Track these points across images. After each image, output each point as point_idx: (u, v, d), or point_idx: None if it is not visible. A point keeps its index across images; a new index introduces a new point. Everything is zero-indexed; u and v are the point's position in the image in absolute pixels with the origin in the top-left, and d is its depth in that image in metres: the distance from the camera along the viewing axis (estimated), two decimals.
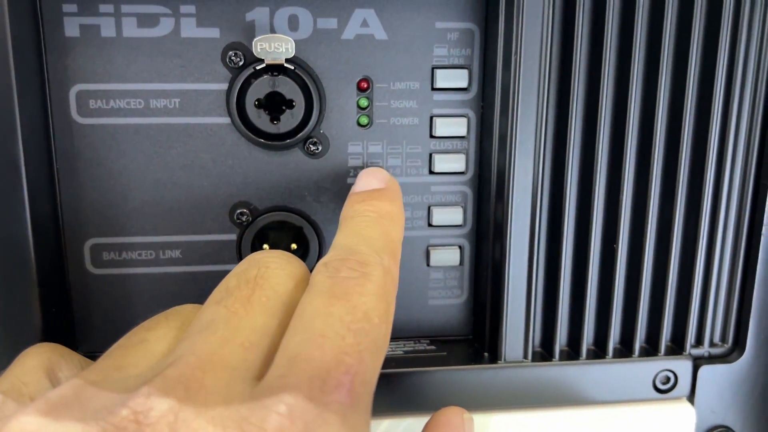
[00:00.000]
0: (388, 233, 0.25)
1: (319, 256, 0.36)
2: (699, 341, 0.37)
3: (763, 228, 0.35)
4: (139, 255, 0.34)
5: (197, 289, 0.35)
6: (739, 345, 0.37)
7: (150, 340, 0.23)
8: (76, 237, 0.34)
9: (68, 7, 0.31)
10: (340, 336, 0.20)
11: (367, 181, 0.27)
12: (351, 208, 0.26)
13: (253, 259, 0.25)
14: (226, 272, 0.35)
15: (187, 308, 0.26)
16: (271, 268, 0.24)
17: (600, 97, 0.33)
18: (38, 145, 0.31)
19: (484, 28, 0.34)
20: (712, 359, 0.37)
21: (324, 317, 0.21)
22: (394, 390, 0.34)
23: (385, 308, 0.22)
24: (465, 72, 0.34)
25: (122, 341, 0.24)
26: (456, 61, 0.34)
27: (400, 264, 0.36)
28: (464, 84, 0.34)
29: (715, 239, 0.36)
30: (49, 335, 0.32)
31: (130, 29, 0.32)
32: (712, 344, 0.37)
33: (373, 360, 0.21)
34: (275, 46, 0.31)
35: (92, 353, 0.35)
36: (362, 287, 0.22)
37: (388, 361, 0.35)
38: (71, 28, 0.32)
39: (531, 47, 0.32)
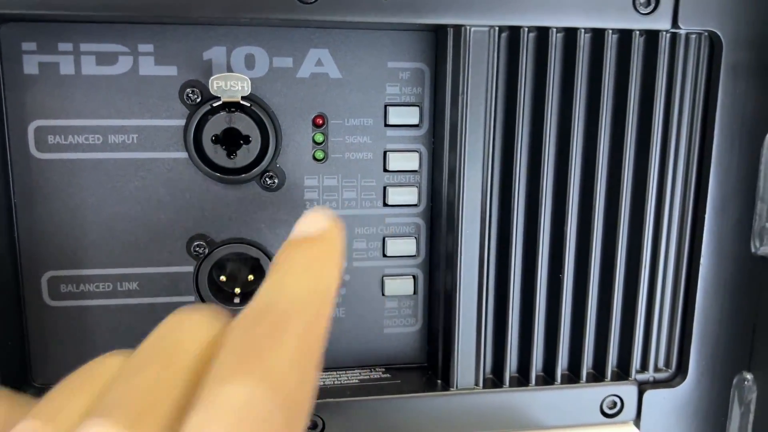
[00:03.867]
0: (317, 282, 0.23)
1: None
2: (644, 367, 0.38)
3: (701, 258, 0.37)
4: (97, 287, 0.35)
5: (155, 321, 0.35)
6: (681, 370, 0.38)
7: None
8: (34, 270, 0.34)
9: (27, 45, 0.32)
10: (249, 407, 0.18)
11: (303, 227, 0.25)
12: (281, 255, 0.24)
13: (167, 325, 0.23)
14: (183, 303, 0.36)
15: (108, 364, 0.24)
16: (185, 331, 0.22)
17: (543, 133, 0.35)
18: None
19: (434, 68, 0.35)
20: (656, 384, 0.38)
21: (232, 385, 0.18)
22: (349, 418, 0.35)
23: (304, 368, 0.20)
24: (416, 109, 0.36)
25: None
26: (407, 99, 0.36)
27: (357, 294, 0.37)
28: (416, 121, 0.36)
29: (657, 269, 0.37)
30: (4, 368, 0.32)
31: (89, 67, 0.33)
32: (656, 369, 0.39)
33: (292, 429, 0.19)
34: (231, 85, 0.32)
35: (48, 385, 0.35)
36: (278, 347, 0.19)
37: (343, 390, 0.35)
38: (30, 65, 0.32)
39: (477, 86, 0.34)
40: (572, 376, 0.38)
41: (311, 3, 0.31)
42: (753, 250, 0.37)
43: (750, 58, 0.35)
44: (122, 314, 0.35)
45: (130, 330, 0.35)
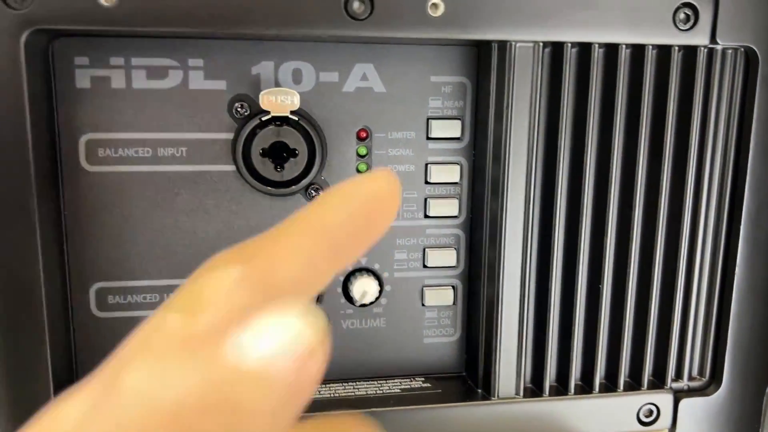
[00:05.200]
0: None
1: (319, 298, 0.37)
2: (679, 375, 0.39)
3: (736, 268, 0.38)
4: (144, 298, 0.35)
5: None
6: (716, 378, 0.39)
7: None
8: (82, 281, 0.34)
9: (80, 60, 0.33)
10: None
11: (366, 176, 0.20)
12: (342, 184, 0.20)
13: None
14: None
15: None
16: None
17: (585, 147, 0.35)
18: (48, 192, 0.32)
19: (476, 82, 0.36)
20: (691, 392, 0.39)
21: None
22: (392, 428, 0.35)
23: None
24: (458, 122, 0.36)
25: None
26: (450, 113, 0.36)
27: (397, 304, 0.38)
28: (457, 134, 0.36)
29: (693, 279, 0.38)
30: (57, 378, 0.32)
31: (140, 81, 0.33)
32: (691, 378, 0.39)
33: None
34: (281, 99, 0.33)
35: None
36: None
37: (386, 399, 0.36)
38: (82, 79, 0.33)
39: (521, 100, 0.34)
40: (609, 385, 0.38)
41: (362, 20, 0.31)
42: None
43: None
44: None
45: None
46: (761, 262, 0.38)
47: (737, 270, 0.38)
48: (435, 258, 0.38)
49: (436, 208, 0.37)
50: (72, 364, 0.35)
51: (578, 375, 0.38)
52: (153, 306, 0.35)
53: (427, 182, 0.37)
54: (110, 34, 0.32)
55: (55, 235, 0.33)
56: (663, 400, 0.38)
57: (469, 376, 0.39)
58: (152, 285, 0.35)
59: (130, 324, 0.35)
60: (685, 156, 0.36)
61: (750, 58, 0.36)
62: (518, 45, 0.33)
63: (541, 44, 0.34)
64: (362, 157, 0.36)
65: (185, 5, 0.30)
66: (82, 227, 0.34)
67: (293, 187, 0.35)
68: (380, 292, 0.37)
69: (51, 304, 0.33)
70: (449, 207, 0.37)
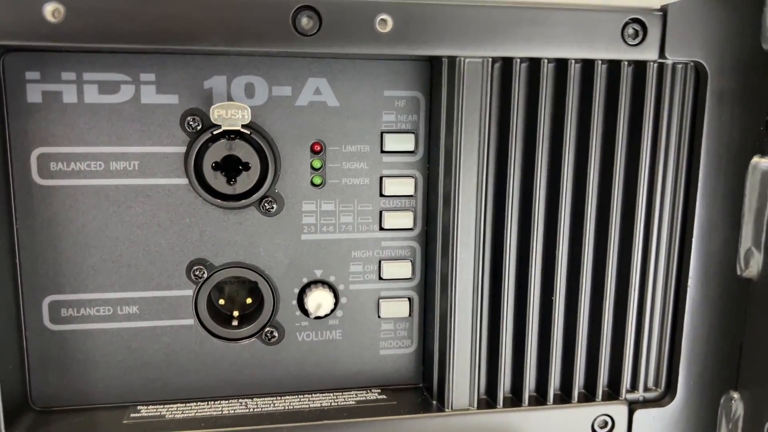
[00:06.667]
0: None
1: (274, 309, 0.37)
2: (634, 386, 0.39)
3: (689, 280, 0.38)
4: (97, 311, 0.35)
5: (154, 344, 0.36)
6: (670, 389, 0.39)
7: None
8: (35, 294, 0.35)
9: (31, 75, 0.33)
10: None
11: None
12: None
13: None
14: (183, 327, 0.36)
15: None
16: None
17: (535, 160, 0.36)
18: (0, 206, 0.32)
19: (429, 96, 0.36)
20: (646, 403, 0.39)
21: None
22: None
23: None
24: (412, 136, 0.37)
25: None
26: (403, 126, 0.37)
27: (353, 316, 0.38)
28: (411, 147, 0.37)
29: (646, 291, 0.38)
30: (4, 392, 0.32)
31: (92, 95, 0.33)
32: (646, 389, 0.40)
33: None
34: (232, 113, 0.33)
35: (48, 409, 0.35)
36: None
37: (341, 411, 0.36)
38: (34, 94, 0.33)
39: (471, 114, 0.34)
40: (564, 397, 0.38)
41: (311, 35, 0.31)
42: (739, 272, 0.38)
43: (734, 87, 0.36)
44: (122, 338, 0.36)
45: (129, 353, 0.36)
46: (714, 273, 0.38)
47: (690, 281, 0.38)
48: (391, 270, 0.38)
49: (391, 220, 0.37)
50: (25, 377, 0.35)
51: (532, 386, 0.38)
52: (106, 319, 0.35)
53: (382, 195, 0.37)
54: (62, 49, 0.32)
55: (8, 248, 0.33)
56: (618, 411, 0.38)
57: (426, 387, 0.39)
58: (106, 298, 0.35)
59: (83, 337, 0.35)
60: (637, 169, 0.37)
61: (699, 73, 0.37)
62: (467, 60, 0.34)
63: (491, 59, 0.34)
64: (317, 170, 0.36)
65: (132, 22, 0.30)
66: (34, 240, 0.34)
67: (246, 200, 0.35)
68: (336, 304, 0.37)
69: (3, 316, 0.33)
70: (404, 219, 0.37)
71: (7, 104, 0.33)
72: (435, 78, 0.36)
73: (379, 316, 0.38)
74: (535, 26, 0.34)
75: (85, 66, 0.33)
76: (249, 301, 0.37)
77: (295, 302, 0.37)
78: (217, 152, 0.34)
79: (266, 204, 0.36)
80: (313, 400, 0.37)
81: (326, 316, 0.37)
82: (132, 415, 0.35)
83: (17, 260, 0.34)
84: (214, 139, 0.34)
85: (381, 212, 0.37)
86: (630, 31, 0.35)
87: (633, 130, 0.37)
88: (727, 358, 0.39)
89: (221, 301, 0.37)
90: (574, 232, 0.37)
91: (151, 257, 0.35)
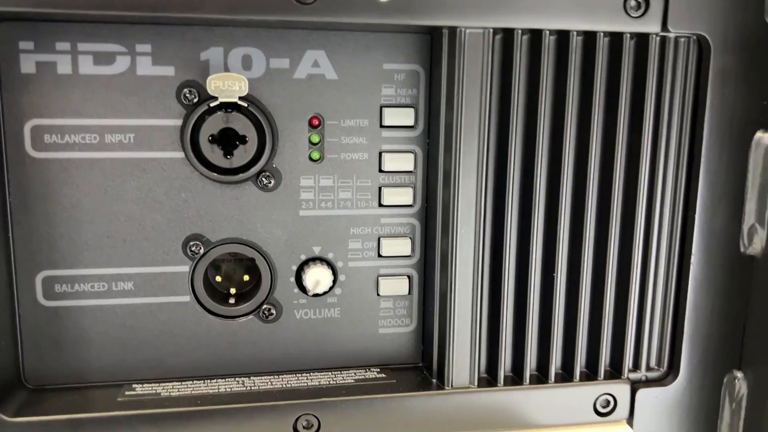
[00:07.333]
0: None
1: (271, 286, 0.36)
2: (636, 366, 0.39)
3: (692, 257, 0.38)
4: (92, 287, 0.35)
5: (149, 321, 0.36)
6: (673, 368, 0.39)
7: None
8: (28, 269, 0.34)
9: (25, 45, 0.32)
10: None
11: None
12: None
13: None
14: (179, 304, 0.36)
15: None
16: None
17: (537, 134, 0.35)
18: None
19: (429, 70, 0.36)
20: (648, 383, 0.39)
21: None
22: (345, 418, 0.35)
23: None
24: (411, 110, 0.36)
25: None
26: (403, 101, 0.36)
27: (352, 294, 0.37)
28: (411, 122, 0.36)
29: (649, 268, 0.38)
30: (1, 368, 0.32)
31: (87, 66, 0.33)
32: (648, 368, 0.39)
33: None
34: (229, 85, 0.32)
35: (41, 387, 0.35)
36: None
37: (339, 390, 0.36)
38: (27, 64, 0.32)
39: (472, 87, 0.34)
40: (566, 376, 0.38)
41: (309, 4, 0.31)
42: (742, 249, 0.37)
43: (738, 61, 0.36)
44: (117, 314, 0.35)
45: (124, 330, 0.35)
46: (717, 250, 0.38)
47: (693, 259, 0.38)
48: (390, 247, 0.37)
49: (391, 197, 0.37)
50: (18, 355, 0.34)
51: (533, 365, 0.38)
52: (100, 295, 0.35)
53: (381, 171, 0.37)
54: (56, 19, 0.32)
55: (0, 223, 0.33)
56: (620, 390, 0.38)
57: (425, 367, 0.38)
58: (100, 273, 0.35)
59: (78, 313, 0.35)
60: (639, 145, 0.36)
61: (702, 47, 0.36)
62: (468, 31, 0.33)
63: (492, 31, 0.34)
64: (315, 145, 0.36)
65: None
66: (28, 214, 0.33)
67: (243, 174, 0.34)
68: (334, 281, 0.37)
69: None
70: (404, 196, 0.37)
71: (1, 75, 0.32)
72: (435, 51, 0.35)
73: (378, 294, 0.38)
74: None
75: (80, 36, 0.32)
76: (246, 278, 0.37)
77: (293, 279, 0.37)
78: (213, 125, 0.33)
79: (263, 179, 0.35)
80: (311, 379, 0.37)
81: (324, 293, 0.37)
82: (127, 392, 0.35)
83: (10, 235, 0.33)
84: (211, 111, 0.33)
85: (380, 188, 0.37)
86: (632, 2, 0.34)
87: (635, 104, 0.36)
88: (730, 336, 0.39)
89: (218, 278, 0.37)
90: (576, 210, 0.37)
91: (146, 232, 0.35)
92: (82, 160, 0.33)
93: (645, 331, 0.38)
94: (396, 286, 0.38)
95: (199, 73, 0.34)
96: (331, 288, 0.37)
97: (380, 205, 0.37)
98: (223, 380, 0.36)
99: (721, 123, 0.37)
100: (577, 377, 0.38)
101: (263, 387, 0.36)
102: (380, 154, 0.36)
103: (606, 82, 0.36)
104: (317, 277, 0.36)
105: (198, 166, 0.34)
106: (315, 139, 0.35)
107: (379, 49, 0.35)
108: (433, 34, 0.35)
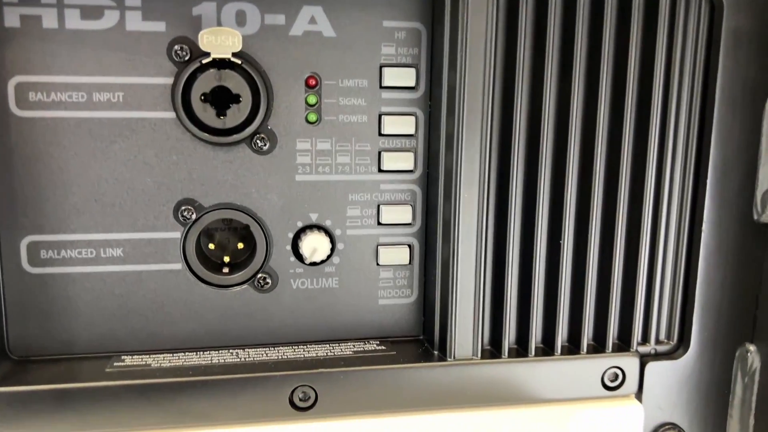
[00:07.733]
0: None
1: (267, 254, 0.35)
2: (645, 339, 0.37)
3: (703, 226, 0.36)
4: (79, 253, 0.33)
5: (139, 290, 0.34)
6: (683, 342, 0.38)
7: None
8: (12, 234, 0.33)
9: None
10: None
11: None
12: None
13: None
14: (170, 271, 0.34)
15: None
16: None
17: (543, 97, 0.34)
18: None
19: (431, 28, 0.35)
20: (658, 356, 0.37)
21: None
22: (343, 389, 0.34)
23: None
24: (412, 71, 0.35)
25: None
26: (403, 60, 0.35)
27: (350, 263, 0.36)
28: (412, 83, 0.35)
29: (658, 238, 0.36)
30: None
31: (74, 21, 0.31)
32: (658, 341, 0.38)
33: None
34: (222, 40, 0.31)
35: (26, 358, 0.33)
36: None
37: (337, 361, 0.34)
38: (11, 18, 0.31)
39: (476, 47, 0.33)
40: (572, 348, 0.37)
41: None
42: (755, 217, 0.36)
43: (751, 23, 0.35)
44: (105, 282, 0.34)
45: (113, 299, 0.34)
46: (729, 218, 0.36)
47: (704, 227, 0.36)
48: (390, 215, 0.36)
49: (391, 161, 0.35)
50: (1, 324, 0.33)
51: (539, 337, 0.37)
52: (88, 262, 0.33)
53: (380, 134, 0.35)
54: None
55: None
56: (629, 363, 0.37)
57: (427, 339, 0.37)
58: (88, 239, 0.33)
59: (64, 281, 0.33)
60: (649, 109, 0.35)
61: (715, 8, 0.35)
62: None
63: None
64: (311, 106, 0.34)
65: None
66: (12, 176, 0.32)
67: (236, 135, 0.33)
68: (332, 250, 0.36)
69: None
70: (404, 161, 0.36)
71: None
72: (437, 7, 0.34)
73: (377, 264, 0.36)
74: None
75: None
76: (240, 246, 0.35)
77: (289, 247, 0.35)
78: (205, 83, 0.32)
79: (258, 141, 0.34)
80: (309, 351, 0.35)
81: (322, 262, 0.36)
82: (115, 363, 0.33)
83: None
84: (203, 68, 0.32)
85: (380, 153, 0.35)
86: None
87: (644, 66, 0.35)
88: (742, 308, 0.37)
89: (211, 246, 0.35)
90: (583, 175, 0.35)
91: (136, 196, 0.33)
92: (69, 120, 0.32)
93: (654, 302, 0.37)
94: (396, 255, 0.36)
95: (191, 29, 0.32)
96: (328, 257, 0.35)
97: (380, 170, 0.36)
98: (217, 352, 0.35)
99: (733, 86, 0.35)
100: (584, 350, 0.36)
101: (258, 359, 0.34)
102: (380, 116, 0.35)
103: (614, 45, 0.34)
104: (314, 245, 0.35)
105: (190, 127, 0.33)
106: (312, 100, 0.34)
107: (379, 6, 0.34)
108: None
